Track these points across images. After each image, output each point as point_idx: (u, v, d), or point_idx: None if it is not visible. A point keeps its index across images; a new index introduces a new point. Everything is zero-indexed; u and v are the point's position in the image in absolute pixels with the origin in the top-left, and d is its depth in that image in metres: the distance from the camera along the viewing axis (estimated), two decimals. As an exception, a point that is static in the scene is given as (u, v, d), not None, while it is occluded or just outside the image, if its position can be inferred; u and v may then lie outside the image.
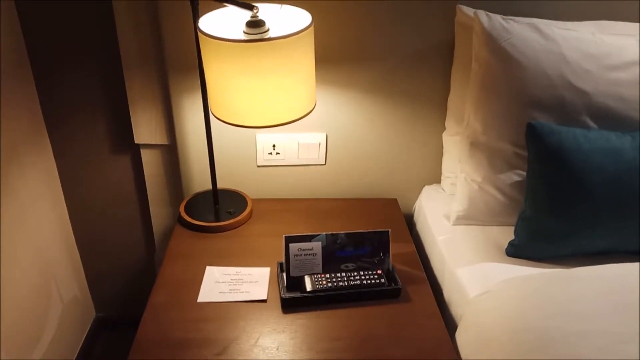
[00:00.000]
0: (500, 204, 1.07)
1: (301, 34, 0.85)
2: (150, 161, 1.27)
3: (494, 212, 1.09)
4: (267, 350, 0.87)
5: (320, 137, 1.23)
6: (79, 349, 1.47)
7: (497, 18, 0.99)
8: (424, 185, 1.30)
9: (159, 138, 1.23)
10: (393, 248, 1.02)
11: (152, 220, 1.36)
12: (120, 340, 1.52)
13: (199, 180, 1.28)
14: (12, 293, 1.13)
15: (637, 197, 0.92)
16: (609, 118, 0.99)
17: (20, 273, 1.17)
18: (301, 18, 0.91)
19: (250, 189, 1.28)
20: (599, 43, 0.99)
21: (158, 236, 1.38)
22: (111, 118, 1.24)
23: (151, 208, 1.34)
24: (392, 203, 1.29)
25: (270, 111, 0.90)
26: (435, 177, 1.30)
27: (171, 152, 1.26)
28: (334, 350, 0.88)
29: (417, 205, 1.28)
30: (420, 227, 1.23)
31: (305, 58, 0.89)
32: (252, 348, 0.88)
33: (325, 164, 1.28)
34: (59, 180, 1.33)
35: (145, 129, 1.21)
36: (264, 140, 1.22)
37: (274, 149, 1.24)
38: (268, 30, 0.87)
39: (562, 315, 0.79)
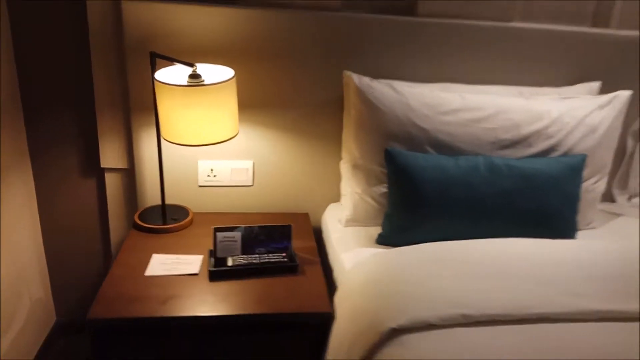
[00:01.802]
0: (374, 209, 1.47)
1: (224, 83, 1.26)
2: (112, 183, 1.62)
3: (371, 215, 1.48)
4: (196, 303, 1.20)
5: (249, 164, 1.62)
6: (38, 349, 1.71)
7: (366, 79, 1.44)
8: (330, 203, 1.69)
9: (121, 163, 1.59)
10: (299, 244, 1.40)
11: (111, 234, 1.68)
12: (77, 345, 1.77)
13: (150, 197, 1.62)
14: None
15: (459, 200, 1.34)
16: (442, 147, 1.43)
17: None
18: (228, 73, 1.33)
19: (192, 204, 1.63)
20: (435, 96, 1.45)
21: (115, 247, 1.69)
22: (83, 147, 1.59)
23: (110, 223, 1.66)
24: (305, 216, 1.66)
25: (204, 134, 1.29)
26: (338, 196, 1.70)
27: (129, 174, 1.61)
28: (244, 304, 1.22)
29: (323, 217, 1.67)
30: (324, 232, 1.61)
31: (229, 99, 1.30)
32: (186, 301, 1.21)
33: (252, 185, 1.66)
34: (35, 199, 1.64)
35: (110, 156, 1.57)
36: (203, 165, 1.60)
37: (211, 172, 1.61)
38: (203, 80, 1.28)
39: (399, 275, 1.17)
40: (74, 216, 1.68)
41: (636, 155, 1.75)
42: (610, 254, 1.26)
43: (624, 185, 1.80)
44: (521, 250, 1.24)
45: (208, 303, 1.22)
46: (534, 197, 1.37)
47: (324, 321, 1.21)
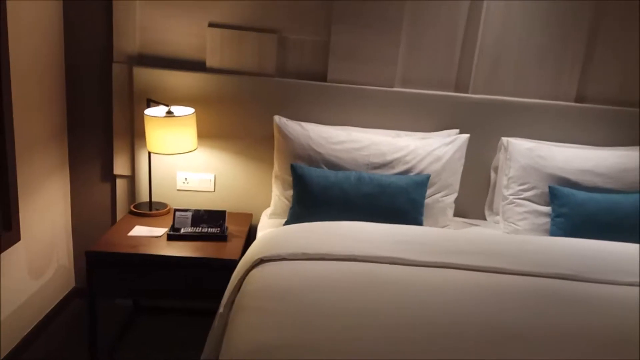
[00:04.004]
0: (287, 206, 2.17)
1: (186, 116, 2.04)
2: (120, 185, 2.40)
3: (285, 210, 2.18)
4: (155, 249, 1.92)
5: (211, 176, 2.36)
6: (56, 303, 2.43)
7: (284, 120, 2.20)
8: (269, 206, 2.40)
9: (127, 171, 2.37)
10: (237, 229, 2.12)
11: (117, 219, 2.43)
12: (95, 314, 2.46)
13: (143, 196, 2.37)
14: (35, 247, 2.19)
15: (335, 199, 2.02)
16: (332, 165, 2.13)
17: (39, 234, 2.22)
18: (190, 111, 2.12)
19: (172, 202, 2.37)
20: (329, 132, 2.18)
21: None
22: (103, 161, 2.39)
23: (117, 212, 2.43)
24: (249, 216, 2.37)
25: (173, 148, 2.05)
26: (274, 204, 2.40)
27: (130, 180, 2.39)
28: (187, 253, 1.92)
29: (262, 214, 2.36)
30: (259, 223, 2.30)
31: (190, 127, 2.09)
32: (148, 247, 1.93)
33: (214, 191, 2.39)
34: (69, 194, 2.44)
35: (120, 167, 2.36)
36: (180, 175, 2.35)
37: (186, 180, 2.36)
38: (173, 114, 2.07)
39: (275, 236, 1.85)
40: (95, 207, 2.46)
41: (497, 185, 2.38)
42: (428, 232, 1.90)
43: (491, 207, 2.42)
44: (367, 227, 1.88)
45: (162, 249, 1.94)
46: (387, 200, 2.04)
47: (232, 264, 1.88)
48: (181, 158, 2.31)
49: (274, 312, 1.40)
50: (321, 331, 1.32)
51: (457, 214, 2.36)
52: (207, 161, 2.35)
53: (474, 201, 2.42)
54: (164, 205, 2.33)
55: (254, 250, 1.77)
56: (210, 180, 2.37)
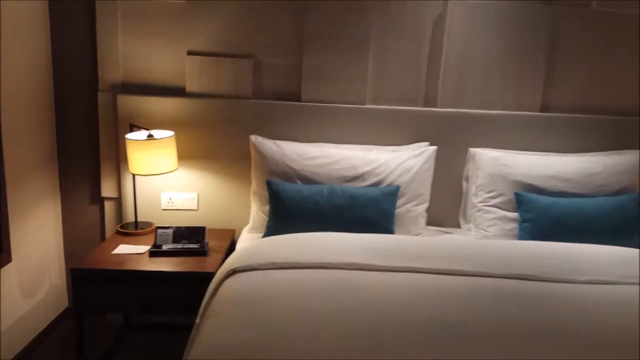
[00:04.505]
0: (264, 220, 2.27)
1: (166, 139, 2.17)
2: (108, 206, 2.52)
3: (262, 225, 2.27)
4: (137, 265, 2.02)
5: (195, 195, 2.48)
6: (48, 323, 2.52)
7: (259, 138, 2.32)
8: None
9: (114, 193, 2.49)
10: (218, 244, 2.21)
11: (106, 238, 2.54)
12: (82, 331, 2.55)
13: (130, 217, 2.48)
14: (27, 268, 2.30)
15: (308, 212, 2.11)
16: (306, 180, 2.24)
17: (31, 256, 2.33)
18: (170, 134, 2.24)
19: (157, 221, 2.47)
20: (303, 149, 2.30)
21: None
22: (92, 184, 2.51)
23: (106, 232, 2.53)
24: (231, 232, 2.47)
25: (155, 168, 2.17)
26: (255, 220, 2.50)
27: (118, 202, 2.50)
28: (168, 267, 2.02)
29: (242, 230, 2.46)
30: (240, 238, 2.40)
31: (169, 149, 2.20)
32: (131, 264, 2.03)
33: (198, 210, 2.50)
34: (61, 216, 2.55)
35: (107, 189, 2.48)
36: (165, 195, 2.47)
37: (170, 200, 2.47)
38: (154, 137, 2.19)
39: (251, 247, 1.94)
40: (85, 228, 2.57)
41: (468, 193, 2.46)
42: (394, 239, 1.99)
43: (464, 216, 2.50)
44: (336, 237, 1.97)
45: (144, 265, 2.04)
46: (359, 211, 2.14)
47: (211, 277, 1.96)
48: (165, 179, 2.42)
49: (239, 315, 1.49)
50: (283, 332, 1.41)
51: (432, 222, 2.46)
52: (190, 181, 2.47)
53: (448, 210, 2.50)
54: (150, 224, 2.43)
55: (228, 262, 1.87)
56: (194, 199, 2.48)
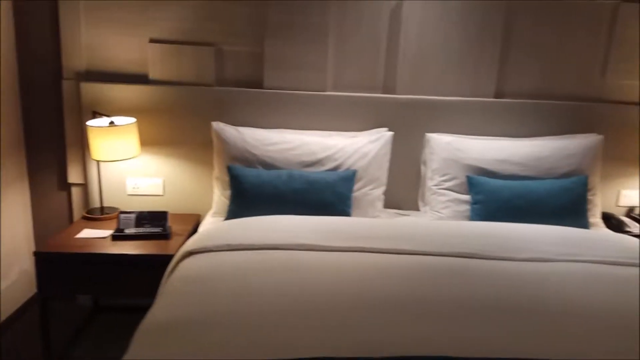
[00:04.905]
0: (226, 205, 2.33)
1: (128, 125, 2.22)
2: (75, 192, 2.57)
3: (224, 209, 2.34)
4: (99, 248, 2.08)
5: (160, 180, 2.53)
6: (17, 308, 2.57)
7: (221, 125, 2.38)
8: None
9: (80, 179, 2.54)
10: (182, 227, 2.27)
11: (74, 221, 2.60)
12: (46, 314, 2.62)
13: (97, 202, 2.54)
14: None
15: (268, 196, 2.19)
16: (267, 165, 2.30)
17: (1, 242, 2.38)
18: (132, 120, 2.29)
19: (123, 207, 2.52)
20: (263, 135, 2.36)
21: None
22: (59, 171, 2.56)
23: (74, 217, 2.59)
24: (197, 216, 2.53)
25: (116, 154, 2.23)
26: (221, 205, 2.57)
27: (84, 188, 2.55)
28: (131, 250, 2.08)
29: (206, 215, 2.53)
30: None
31: (131, 135, 2.26)
32: (94, 247, 2.09)
33: (164, 195, 2.56)
34: (30, 203, 2.60)
35: (74, 176, 2.53)
36: (130, 181, 2.52)
37: (135, 186, 2.53)
38: (115, 123, 2.24)
39: (208, 231, 2.01)
40: (54, 214, 2.62)
41: (425, 177, 2.54)
42: (346, 221, 2.07)
43: (422, 199, 2.58)
44: (291, 220, 2.05)
45: (106, 248, 2.11)
46: (316, 194, 2.21)
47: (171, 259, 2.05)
48: (131, 165, 2.48)
49: (188, 293, 1.57)
50: (228, 309, 1.48)
51: (392, 205, 2.54)
52: (155, 167, 2.52)
53: (408, 193, 2.59)
54: (116, 209, 2.49)
55: (186, 245, 1.94)
56: (159, 184, 2.54)
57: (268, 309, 1.48)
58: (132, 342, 1.39)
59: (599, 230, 2.36)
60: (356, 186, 2.33)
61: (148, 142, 2.46)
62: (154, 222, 2.25)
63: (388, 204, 2.53)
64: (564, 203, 2.26)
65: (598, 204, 2.46)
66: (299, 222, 2.03)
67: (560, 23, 2.50)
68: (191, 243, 1.91)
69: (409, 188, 2.58)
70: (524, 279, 1.73)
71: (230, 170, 2.27)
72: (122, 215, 2.24)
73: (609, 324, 1.49)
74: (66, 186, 2.59)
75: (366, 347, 1.31)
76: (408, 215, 2.50)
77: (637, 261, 1.88)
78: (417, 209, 2.58)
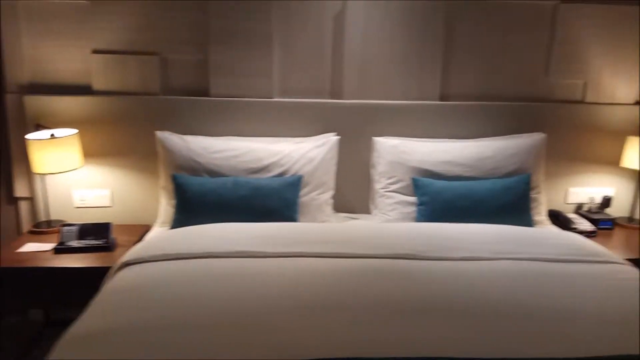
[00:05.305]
0: (172, 213, 2.32)
1: (68, 137, 2.20)
2: (23, 206, 2.53)
3: (172, 218, 2.32)
4: (41, 262, 2.06)
5: (107, 192, 2.51)
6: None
7: (165, 134, 2.37)
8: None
9: (27, 193, 2.50)
10: (130, 239, 2.25)
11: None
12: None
13: (43, 215, 2.50)
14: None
15: (212, 204, 2.18)
16: (213, 173, 2.30)
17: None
18: (73, 132, 2.27)
19: (72, 220, 2.50)
20: (208, 142, 2.35)
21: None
22: (7, 185, 2.52)
23: (23, 231, 2.55)
24: (146, 227, 2.50)
25: (58, 166, 2.20)
26: (171, 215, 2.55)
27: (31, 201, 2.52)
28: (72, 264, 2.06)
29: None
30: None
31: (73, 147, 2.23)
32: (35, 261, 2.06)
33: (112, 206, 2.54)
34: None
35: (20, 189, 2.49)
36: (77, 193, 2.50)
37: (82, 198, 2.50)
38: (55, 136, 2.22)
39: (149, 241, 2.00)
40: (2, 228, 2.57)
41: (374, 180, 2.56)
42: (287, 227, 2.07)
43: (374, 202, 2.59)
44: (232, 227, 2.04)
45: (48, 262, 2.08)
46: (261, 201, 2.21)
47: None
48: (76, 177, 2.46)
49: (114, 304, 1.56)
50: (155, 318, 1.46)
51: (345, 210, 2.55)
52: (102, 178, 2.50)
53: (359, 197, 2.59)
54: (62, 222, 2.46)
55: (124, 256, 1.92)
56: (106, 195, 2.52)
57: (194, 318, 1.47)
58: (49, 355, 1.37)
59: (543, 227, 2.39)
60: (303, 191, 2.34)
61: (94, 153, 2.44)
62: (97, 234, 2.23)
63: (340, 208, 2.55)
64: (507, 202, 2.29)
65: (543, 202, 2.49)
66: (241, 229, 2.02)
67: (502, 24, 2.55)
68: (128, 254, 1.89)
69: (361, 192, 2.59)
70: (459, 278, 1.75)
71: (174, 179, 2.26)
72: (65, 228, 2.21)
73: (540, 321, 1.50)
74: (13, 200, 2.56)
75: (295, 352, 1.31)
76: (358, 219, 2.51)
77: (574, 257, 1.91)
78: (369, 212, 2.59)
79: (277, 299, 1.57)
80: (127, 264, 1.83)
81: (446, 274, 1.77)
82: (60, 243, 2.19)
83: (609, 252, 2.00)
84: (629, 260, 2.04)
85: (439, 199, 2.27)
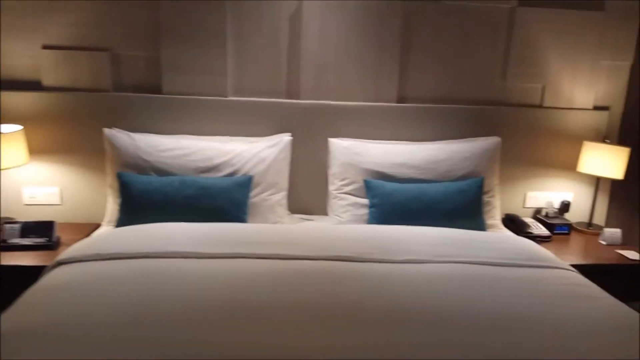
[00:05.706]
0: (117, 212, 2.27)
1: (12, 133, 2.15)
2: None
3: (117, 216, 2.28)
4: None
5: (56, 189, 2.46)
6: None
7: (113, 131, 2.33)
8: (117, 218, 2.51)
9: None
10: (76, 237, 2.20)
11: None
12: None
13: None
14: None
15: (157, 203, 2.14)
16: (161, 172, 2.26)
17: None
18: (18, 128, 2.23)
19: (21, 218, 2.44)
20: (157, 141, 2.31)
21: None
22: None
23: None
24: (96, 225, 2.45)
25: (2, 162, 2.16)
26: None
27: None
28: (13, 262, 2.01)
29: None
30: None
31: (17, 143, 2.19)
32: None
33: (62, 204, 2.49)
34: None
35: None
36: (26, 190, 2.45)
37: (33, 195, 2.45)
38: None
39: (91, 239, 1.96)
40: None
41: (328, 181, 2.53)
42: (230, 227, 2.03)
43: (329, 204, 2.57)
44: (173, 227, 2.00)
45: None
46: (209, 201, 2.18)
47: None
48: (25, 174, 2.41)
49: (36, 304, 1.51)
50: (77, 318, 1.42)
51: (301, 211, 2.52)
52: (51, 175, 2.46)
53: (316, 199, 2.56)
54: (11, 219, 2.41)
55: (59, 255, 1.88)
56: (55, 193, 2.47)
57: (116, 318, 1.43)
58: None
59: (494, 232, 2.38)
60: (254, 192, 2.31)
61: (43, 149, 2.39)
62: (41, 232, 2.18)
63: (297, 210, 2.52)
64: (459, 205, 2.27)
65: (497, 206, 2.48)
66: (183, 229, 1.98)
67: (459, 26, 2.53)
68: (64, 253, 1.85)
69: (317, 193, 2.56)
70: (397, 280, 1.72)
71: (119, 177, 2.22)
72: (7, 226, 2.16)
73: (473, 325, 1.47)
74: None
75: (220, 353, 1.29)
76: (313, 220, 2.48)
77: (518, 262, 1.89)
78: (326, 214, 2.56)
79: (200, 299, 1.53)
80: (61, 263, 1.78)
81: (385, 276, 1.74)
82: (3, 241, 2.14)
83: (554, 257, 1.98)
84: (581, 265, 2.03)
85: (390, 201, 2.24)
